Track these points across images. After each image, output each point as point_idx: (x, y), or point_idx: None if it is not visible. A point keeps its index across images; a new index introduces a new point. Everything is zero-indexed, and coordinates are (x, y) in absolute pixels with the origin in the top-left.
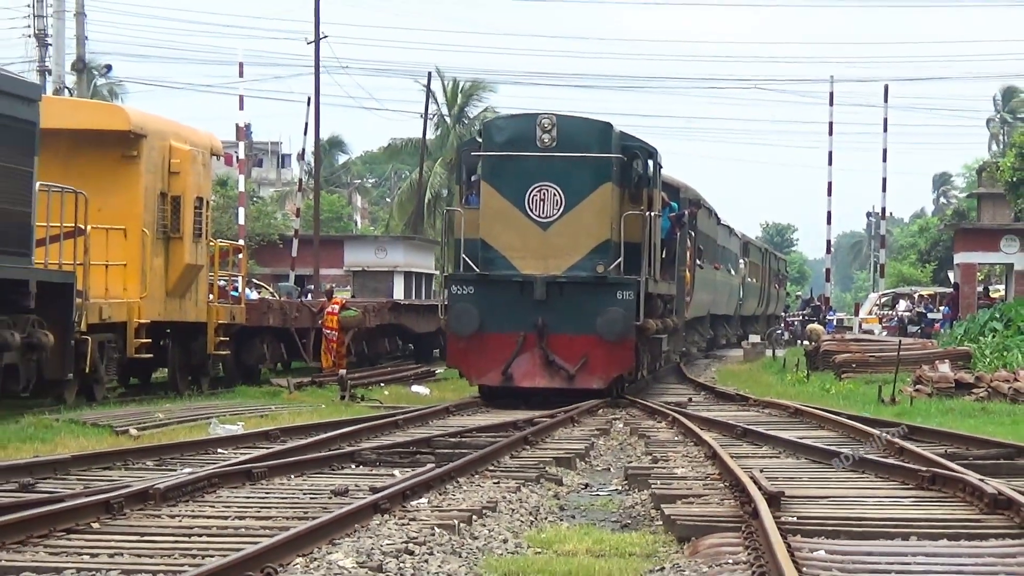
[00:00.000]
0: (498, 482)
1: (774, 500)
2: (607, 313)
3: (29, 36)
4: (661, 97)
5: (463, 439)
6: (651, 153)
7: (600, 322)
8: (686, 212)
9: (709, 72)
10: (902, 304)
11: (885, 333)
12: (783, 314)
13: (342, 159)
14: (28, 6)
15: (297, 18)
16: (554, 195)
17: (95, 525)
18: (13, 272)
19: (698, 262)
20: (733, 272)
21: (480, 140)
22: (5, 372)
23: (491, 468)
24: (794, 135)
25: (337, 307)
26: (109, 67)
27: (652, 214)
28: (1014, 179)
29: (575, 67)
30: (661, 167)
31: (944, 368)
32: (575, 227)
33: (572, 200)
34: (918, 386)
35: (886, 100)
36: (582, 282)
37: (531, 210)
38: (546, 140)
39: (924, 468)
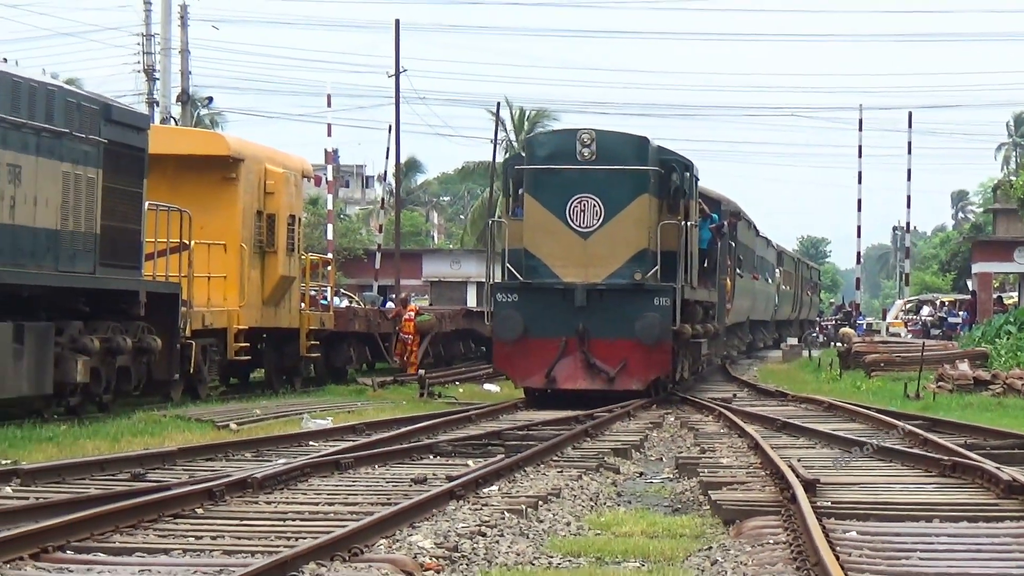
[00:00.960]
0: (561, 471)
1: (810, 486)
2: (645, 318)
3: (139, 71)
4: (707, 123)
5: (530, 432)
6: (687, 166)
7: (638, 327)
8: (725, 223)
9: (750, 101)
10: (925, 309)
11: (910, 336)
12: (818, 318)
13: (420, 180)
14: (138, 44)
15: (380, 54)
16: (594, 206)
17: (199, 511)
18: (125, 283)
19: (738, 271)
20: (770, 280)
21: (524, 155)
22: (119, 373)
23: (555, 458)
24: (826, 157)
25: (412, 313)
26: (210, 99)
27: (688, 224)
28: None
29: (629, 96)
30: (698, 179)
31: (964, 367)
32: (614, 236)
33: (611, 211)
34: (940, 383)
35: (910, 126)
36: (621, 289)
37: (572, 220)
38: (586, 154)
39: (946, 457)
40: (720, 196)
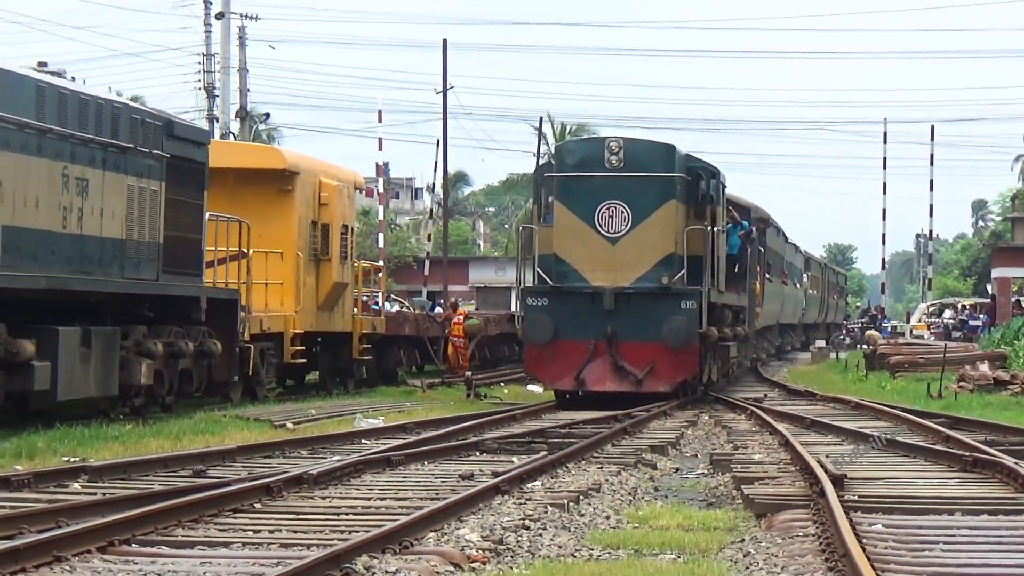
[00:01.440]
0: (601, 467)
1: (838, 481)
2: (671, 321)
3: (199, 89)
4: (738, 137)
5: (571, 430)
6: (714, 173)
7: (665, 330)
8: (753, 228)
9: (779, 115)
10: (947, 313)
11: (932, 338)
12: (844, 321)
13: (467, 191)
14: (199, 63)
15: (428, 71)
16: (622, 212)
17: (257, 505)
18: (187, 290)
19: (767, 276)
20: (798, 285)
21: (553, 163)
22: (181, 375)
23: (595, 455)
24: (853, 168)
25: (462, 317)
26: (267, 115)
27: (716, 229)
28: None
29: (664, 111)
30: (724, 186)
31: (984, 368)
32: (642, 241)
33: (639, 216)
34: (961, 383)
35: (932, 138)
36: (648, 293)
37: (601, 226)
38: (614, 161)
39: (967, 453)
40: (749, 204)
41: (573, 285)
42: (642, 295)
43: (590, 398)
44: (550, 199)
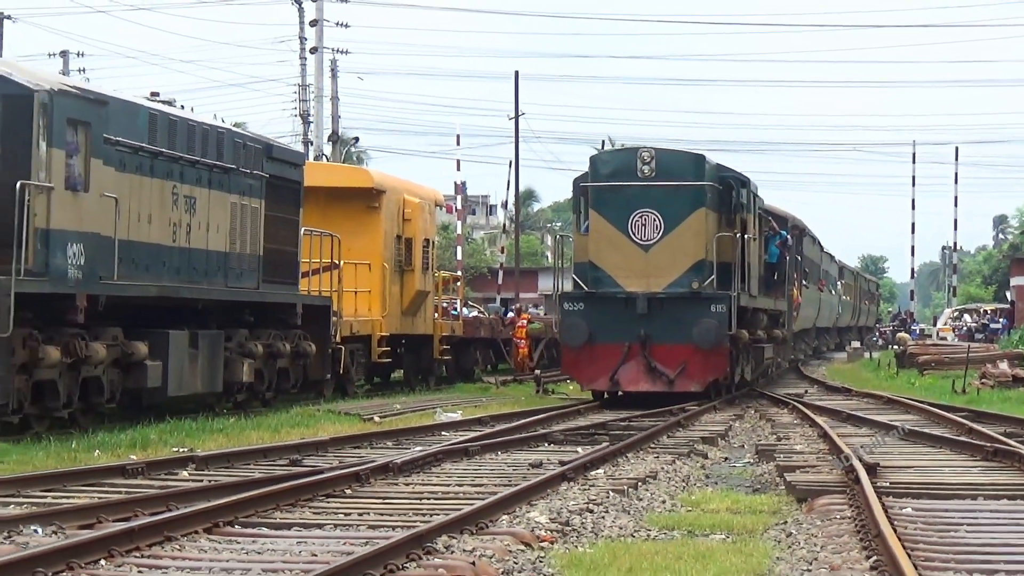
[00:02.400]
0: (658, 456)
1: (872, 469)
2: (701, 324)
3: (296, 116)
4: (780, 158)
5: (630, 423)
6: (744, 182)
7: (696, 332)
8: (789, 236)
9: (818, 138)
10: (966, 317)
11: (957, 339)
12: (877, 325)
13: (536, 207)
14: (295, 93)
15: (501, 100)
16: (654, 220)
17: (347, 491)
18: (284, 297)
19: (804, 283)
20: (833, 291)
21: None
22: (279, 374)
23: (652, 445)
24: (884, 186)
25: (525, 321)
26: (357, 139)
27: (747, 236)
28: None
29: (713, 134)
30: (755, 195)
31: (1003, 366)
32: (673, 248)
33: (670, 224)
34: (983, 380)
35: (956, 159)
36: (679, 297)
37: (634, 234)
38: (646, 171)
39: (988, 444)
40: (787, 214)
41: (608, 290)
42: (674, 299)
43: (626, 398)
44: (587, 208)
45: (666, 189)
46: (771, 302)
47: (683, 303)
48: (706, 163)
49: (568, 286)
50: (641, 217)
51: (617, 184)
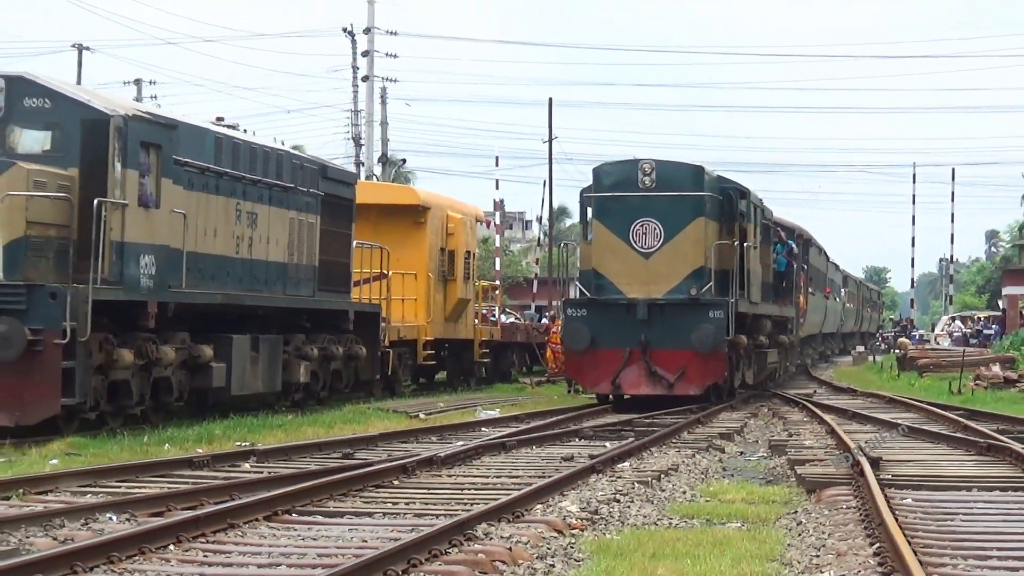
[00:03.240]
0: (679, 450)
1: (875, 463)
2: (700, 330)
3: (348, 139)
4: (792, 177)
5: (654, 420)
6: (744, 193)
7: (694, 337)
8: (794, 245)
9: (827, 160)
10: (957, 323)
11: (953, 344)
12: (879, 331)
13: (568, 223)
14: (348, 118)
15: (536, 124)
16: (655, 228)
17: (395, 482)
18: (338, 304)
19: (810, 291)
20: (837, 299)
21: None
22: (332, 375)
23: (674, 441)
24: (887, 203)
25: (558, 328)
26: (404, 160)
27: (747, 245)
28: None
29: (732, 156)
30: (756, 206)
31: (996, 369)
32: (673, 256)
33: (670, 233)
34: (977, 381)
35: (953, 179)
36: (678, 303)
37: (635, 242)
38: (647, 182)
39: (982, 440)
40: (794, 225)
41: (609, 297)
42: (673, 306)
43: (638, 400)
44: (590, 218)
45: (666, 199)
46: (776, 308)
47: (682, 309)
48: (705, 174)
49: (575, 293)
50: (642, 226)
51: (619, 194)
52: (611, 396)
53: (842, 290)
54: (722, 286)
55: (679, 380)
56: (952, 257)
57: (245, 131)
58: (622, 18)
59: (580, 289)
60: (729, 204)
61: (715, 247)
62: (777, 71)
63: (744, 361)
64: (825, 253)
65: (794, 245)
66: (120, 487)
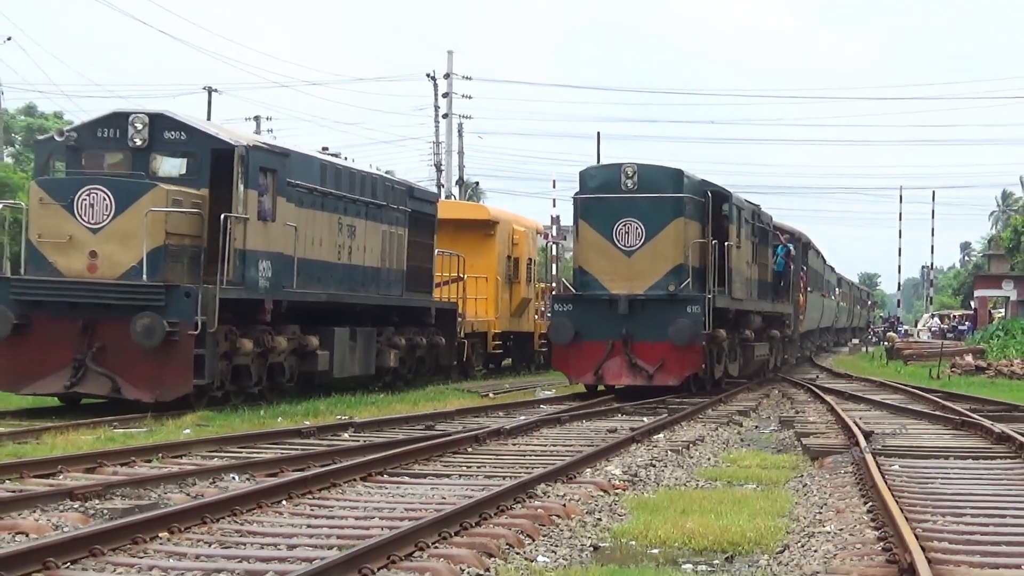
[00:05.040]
0: (704, 424)
1: (868, 436)
2: (677, 323)
3: (431, 165)
4: (801, 198)
5: (684, 400)
6: (726, 197)
7: (671, 331)
8: (792, 248)
9: (828, 183)
10: (935, 320)
11: (932, 337)
12: (869, 326)
13: None
14: (431, 148)
15: (587, 153)
16: (637, 228)
17: (469, 449)
18: (422, 303)
19: (808, 289)
20: (832, 298)
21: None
22: (417, 361)
23: (700, 416)
24: (878, 220)
25: None
26: (477, 183)
27: (728, 244)
28: (1010, 246)
29: (751, 180)
30: (739, 208)
31: (968, 358)
32: (654, 254)
33: (651, 232)
34: (953, 368)
35: (933, 200)
36: (657, 299)
37: (618, 241)
38: (629, 184)
39: (957, 417)
40: (794, 230)
41: (593, 292)
42: (652, 301)
43: (608, 390)
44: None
45: (647, 200)
46: (768, 305)
47: (661, 304)
48: (684, 177)
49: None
50: (625, 225)
51: (603, 196)
52: (599, 388)
53: (836, 290)
54: (701, 283)
55: (658, 371)
56: (932, 265)
57: (346, 158)
58: (659, 65)
59: (567, 285)
60: (711, 206)
61: (693, 245)
62: (789, 110)
63: (728, 354)
64: (823, 257)
65: (792, 248)
66: (241, 452)
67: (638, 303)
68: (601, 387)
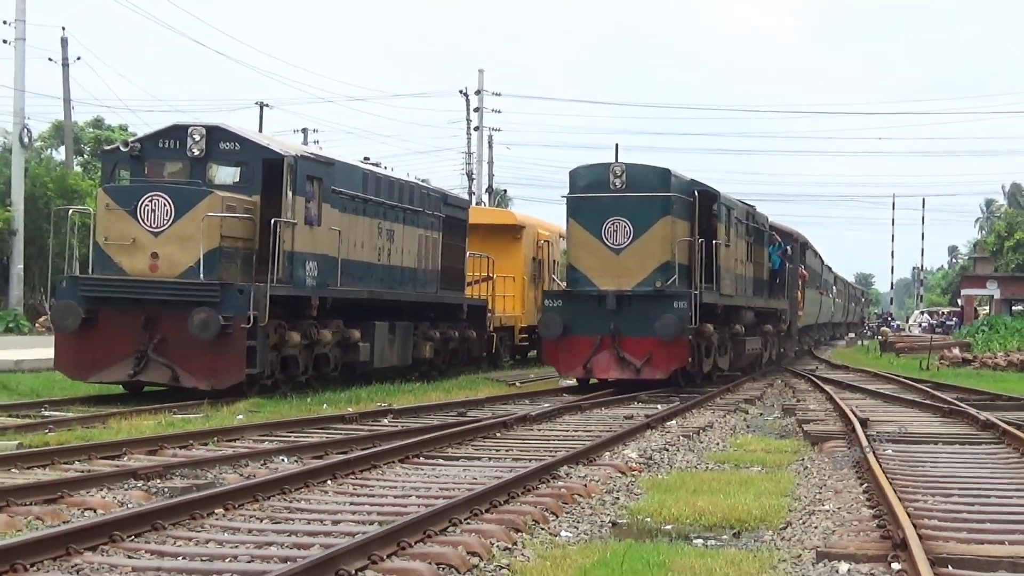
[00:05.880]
0: (713, 412)
1: (864, 422)
2: (663, 319)
3: (463, 174)
4: (802, 205)
5: (694, 389)
6: (714, 196)
7: (657, 326)
8: (788, 248)
9: (828, 191)
10: (924, 316)
11: (922, 332)
12: (865, 321)
13: None
14: (462, 159)
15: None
16: (625, 226)
17: (497, 434)
18: (455, 300)
19: (806, 287)
20: (829, 295)
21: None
22: (450, 353)
23: (709, 404)
24: (873, 225)
25: None
26: (505, 190)
27: (716, 242)
28: (994, 249)
29: (758, 189)
30: (728, 207)
31: (956, 351)
32: (642, 251)
33: (639, 230)
34: (941, 360)
35: (923, 207)
36: (644, 295)
37: (607, 239)
38: (617, 183)
39: (945, 406)
40: (792, 230)
41: (582, 289)
42: (640, 297)
43: (597, 384)
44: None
45: (635, 199)
46: (762, 301)
47: (648, 300)
48: (672, 176)
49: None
50: (613, 224)
51: (592, 195)
52: (593, 380)
53: (834, 288)
54: (688, 279)
55: (645, 365)
56: (922, 266)
57: (385, 168)
58: (671, 83)
59: (556, 282)
60: (700, 205)
61: (680, 243)
62: (791, 124)
63: (717, 348)
64: (820, 257)
65: (789, 248)
66: (290, 436)
67: (626, 299)
68: (594, 380)
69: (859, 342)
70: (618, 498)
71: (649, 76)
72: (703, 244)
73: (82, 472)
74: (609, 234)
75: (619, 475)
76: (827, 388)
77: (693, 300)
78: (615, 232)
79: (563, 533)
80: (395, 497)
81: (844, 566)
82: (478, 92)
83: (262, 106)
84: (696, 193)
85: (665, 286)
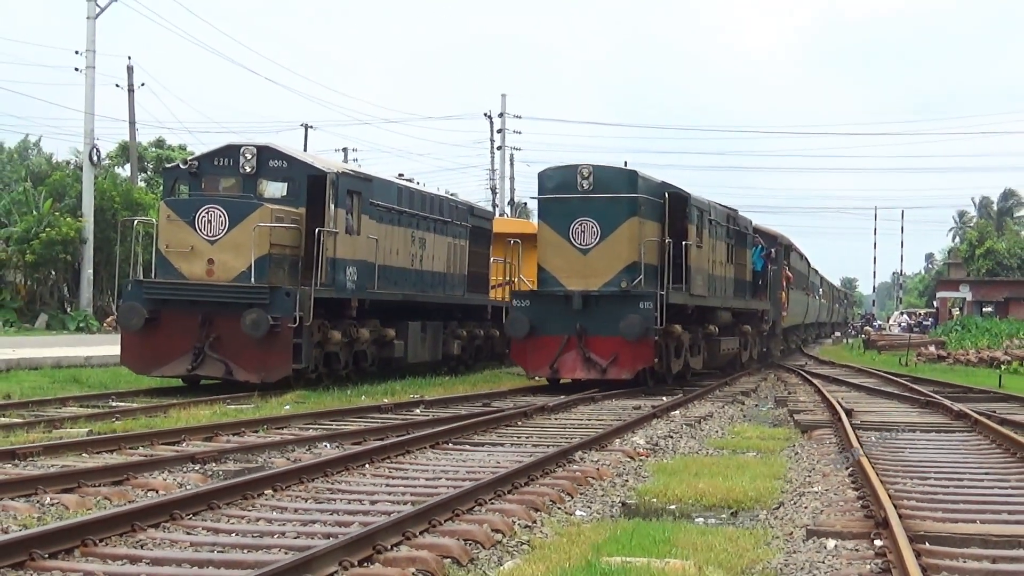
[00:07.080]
0: (713, 403)
1: (849, 413)
2: (628, 319)
3: (487, 189)
4: (791, 216)
5: (696, 383)
6: (685, 198)
7: (622, 326)
8: (771, 250)
9: (815, 203)
10: (903, 317)
11: (901, 331)
12: (849, 321)
13: None
14: (487, 175)
15: None
16: (592, 227)
17: (519, 423)
18: (480, 301)
19: (791, 288)
20: (815, 296)
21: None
22: (476, 350)
23: (709, 396)
24: (857, 234)
25: None
26: (525, 203)
27: (687, 243)
28: (966, 256)
29: (751, 201)
30: (700, 209)
31: (932, 348)
32: (608, 252)
33: (606, 231)
34: (919, 357)
35: (903, 217)
36: (610, 295)
37: (574, 239)
38: (585, 185)
39: (922, 397)
40: (777, 233)
41: (549, 289)
42: (606, 297)
43: (565, 383)
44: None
45: (602, 200)
46: (743, 301)
47: (614, 300)
48: (639, 178)
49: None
50: (581, 225)
51: (560, 196)
52: (565, 380)
53: (820, 290)
54: (655, 280)
55: (611, 365)
56: (901, 271)
57: (418, 183)
58: (676, 107)
59: (525, 282)
60: (670, 207)
61: (648, 244)
62: (783, 143)
63: (688, 348)
64: (807, 260)
65: (772, 250)
66: (332, 424)
67: (592, 299)
68: (566, 380)
69: (844, 340)
70: (627, 480)
71: (655, 102)
72: (671, 245)
73: (145, 456)
74: (577, 235)
75: (628, 460)
76: (816, 382)
77: (659, 300)
78: (583, 233)
79: (578, 512)
80: (426, 479)
81: (831, 542)
82: (501, 115)
83: (307, 127)
84: (667, 195)
85: (631, 286)
